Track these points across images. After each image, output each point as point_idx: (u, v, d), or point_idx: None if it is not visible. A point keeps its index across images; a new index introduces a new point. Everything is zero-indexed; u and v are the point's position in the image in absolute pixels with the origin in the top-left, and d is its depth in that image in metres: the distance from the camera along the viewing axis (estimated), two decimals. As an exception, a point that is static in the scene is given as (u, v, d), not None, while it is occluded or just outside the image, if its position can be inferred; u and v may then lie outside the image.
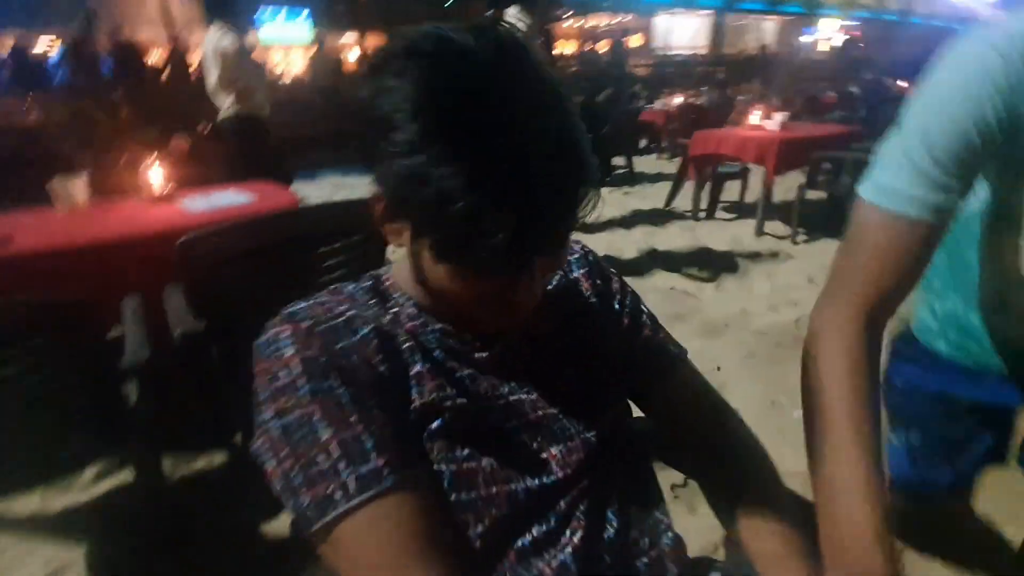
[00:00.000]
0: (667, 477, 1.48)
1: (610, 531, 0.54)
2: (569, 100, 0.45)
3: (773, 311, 2.58)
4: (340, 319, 0.51)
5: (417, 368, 0.52)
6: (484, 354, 0.56)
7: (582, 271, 0.66)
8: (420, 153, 0.40)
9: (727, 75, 8.92)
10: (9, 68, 7.21)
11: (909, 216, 0.55)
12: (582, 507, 0.54)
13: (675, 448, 0.71)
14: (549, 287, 0.63)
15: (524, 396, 0.56)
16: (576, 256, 0.67)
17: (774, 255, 3.37)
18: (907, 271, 0.56)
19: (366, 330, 0.51)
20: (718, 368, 2.00)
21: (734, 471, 0.63)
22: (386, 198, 0.45)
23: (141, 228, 1.60)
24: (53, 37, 9.60)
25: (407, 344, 0.52)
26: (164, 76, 7.90)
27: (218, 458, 1.65)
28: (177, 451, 1.64)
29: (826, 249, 3.44)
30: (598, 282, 0.66)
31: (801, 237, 3.61)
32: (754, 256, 3.36)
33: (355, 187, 6.00)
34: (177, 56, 8.29)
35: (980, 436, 0.85)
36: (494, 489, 0.51)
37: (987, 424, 0.84)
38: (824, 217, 3.81)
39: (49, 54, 9.03)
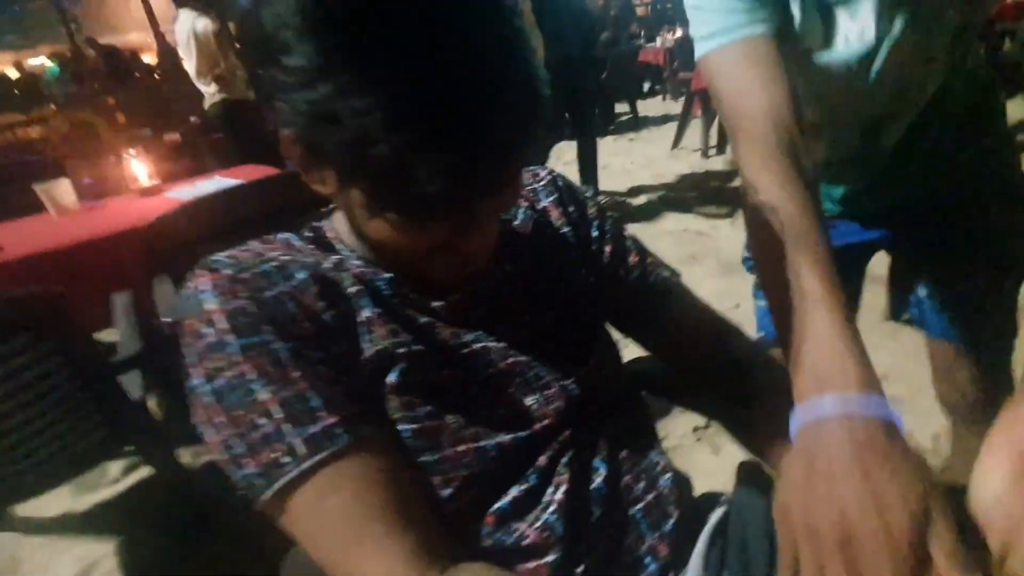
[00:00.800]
0: (688, 420, 1.45)
1: (598, 481, 0.48)
2: (513, 6, 0.36)
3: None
4: (270, 263, 0.45)
5: (366, 313, 0.45)
6: (442, 302, 0.49)
7: (550, 199, 0.58)
8: (322, 82, 0.32)
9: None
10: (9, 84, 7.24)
11: (754, 35, 0.55)
12: (564, 460, 0.48)
13: (687, 383, 0.64)
14: (514, 221, 0.56)
15: (492, 344, 0.49)
16: (543, 183, 0.59)
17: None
18: (781, 86, 0.54)
19: (303, 275, 0.44)
20: (737, 306, 1.91)
21: (749, 386, 0.56)
22: (297, 141, 0.38)
23: (125, 222, 1.56)
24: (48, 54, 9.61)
25: (353, 288, 0.46)
26: (156, 75, 7.89)
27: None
28: (195, 443, 1.64)
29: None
30: (570, 209, 0.59)
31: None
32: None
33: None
34: (166, 54, 8.24)
35: None
36: (461, 447, 0.45)
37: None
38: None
39: (44, 68, 9.05)
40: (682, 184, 3.54)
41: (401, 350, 0.45)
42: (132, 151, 1.96)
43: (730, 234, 2.68)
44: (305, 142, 0.37)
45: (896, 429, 0.37)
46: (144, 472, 1.59)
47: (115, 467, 1.61)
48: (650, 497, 0.50)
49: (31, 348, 0.97)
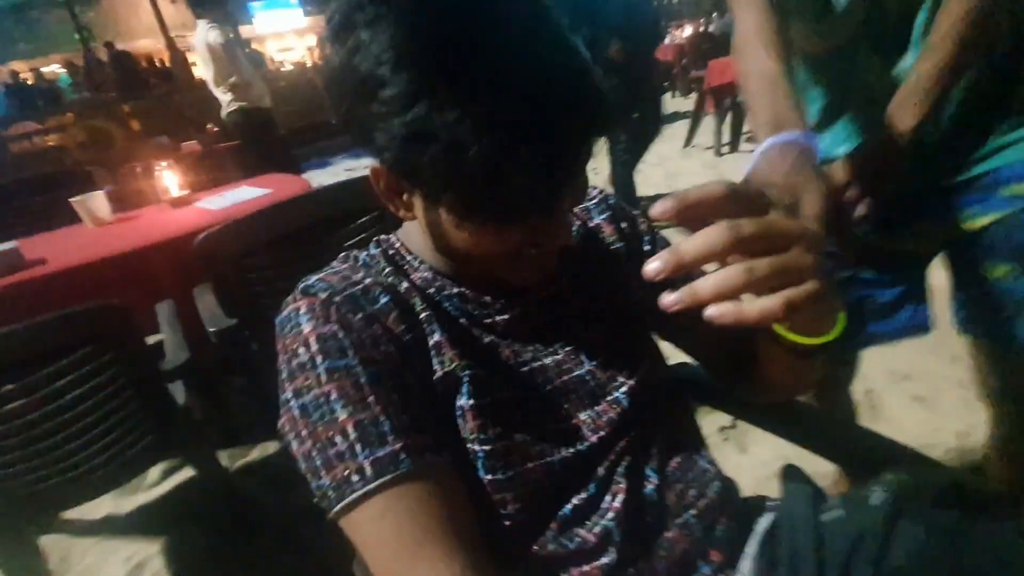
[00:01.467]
0: (714, 420, 1.48)
1: (650, 488, 0.52)
2: (561, 18, 0.40)
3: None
4: (358, 287, 0.49)
5: (436, 337, 0.49)
6: (505, 316, 0.53)
7: (603, 217, 0.62)
8: (417, 104, 0.36)
9: None
10: (20, 94, 7.35)
11: None
12: (621, 469, 0.51)
13: (720, 383, 0.67)
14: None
15: (548, 360, 0.53)
16: (595, 201, 0.63)
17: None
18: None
19: (386, 298, 0.49)
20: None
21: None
22: (388, 167, 0.42)
23: (163, 233, 1.61)
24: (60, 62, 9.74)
25: (425, 313, 0.50)
26: (168, 82, 7.99)
27: (271, 447, 1.70)
28: (233, 445, 1.70)
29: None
30: (623, 225, 0.62)
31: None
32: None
33: (368, 169, 5.97)
34: (177, 60, 8.34)
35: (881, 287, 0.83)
36: (530, 464, 0.49)
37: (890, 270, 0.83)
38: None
39: (56, 76, 9.17)
40: (696, 182, 3.53)
41: (467, 372, 0.48)
42: (164, 163, 2.01)
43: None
44: (399, 167, 0.41)
45: (814, 152, 0.60)
46: (181, 475, 1.65)
47: (154, 471, 1.66)
48: (701, 503, 0.53)
49: (93, 359, 1.02)
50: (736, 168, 3.70)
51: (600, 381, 0.54)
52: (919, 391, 1.47)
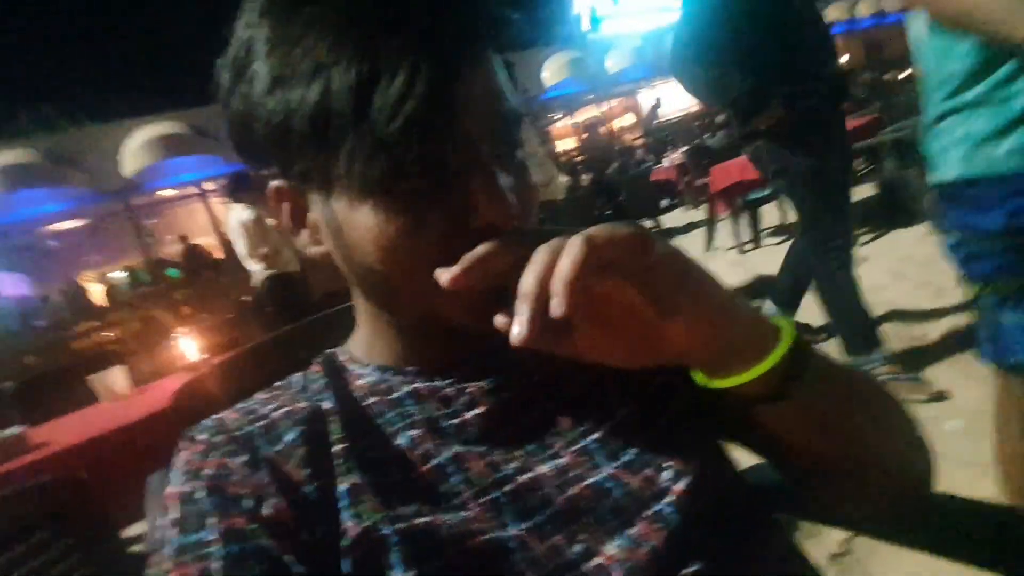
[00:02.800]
0: (820, 545, 1.15)
1: None
2: None
3: (868, 317, 2.24)
4: (261, 423, 0.38)
5: (353, 479, 0.35)
6: (477, 411, 0.39)
7: None
8: (284, 63, 0.33)
9: (727, 116, 9.03)
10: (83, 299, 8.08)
11: None
12: None
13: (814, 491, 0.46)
14: None
15: (546, 468, 0.37)
16: None
17: (842, 263, 3.05)
18: None
19: (293, 434, 0.37)
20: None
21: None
22: (278, 168, 0.37)
23: (167, 400, 1.54)
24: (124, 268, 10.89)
25: (340, 446, 0.37)
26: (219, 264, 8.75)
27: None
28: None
29: (898, 240, 3.09)
30: None
31: (865, 237, 3.29)
32: (820, 269, 3.05)
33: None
34: (227, 251, 9.22)
35: None
36: None
37: None
38: (881, 209, 3.51)
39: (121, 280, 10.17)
40: (726, 281, 3.41)
41: (398, 526, 0.33)
42: (183, 330, 2.02)
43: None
44: (275, 153, 0.36)
45: None
46: None
47: None
48: None
49: (51, 545, 0.88)
50: (762, 261, 3.59)
51: (631, 489, 0.37)
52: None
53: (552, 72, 11.42)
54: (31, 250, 10.31)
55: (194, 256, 9.01)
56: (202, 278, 8.42)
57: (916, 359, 1.83)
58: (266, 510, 0.33)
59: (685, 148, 6.04)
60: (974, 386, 1.57)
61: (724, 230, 4.26)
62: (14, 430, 1.47)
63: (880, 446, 0.39)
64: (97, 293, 8.91)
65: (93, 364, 2.57)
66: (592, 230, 0.29)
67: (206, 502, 0.34)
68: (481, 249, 0.31)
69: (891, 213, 3.38)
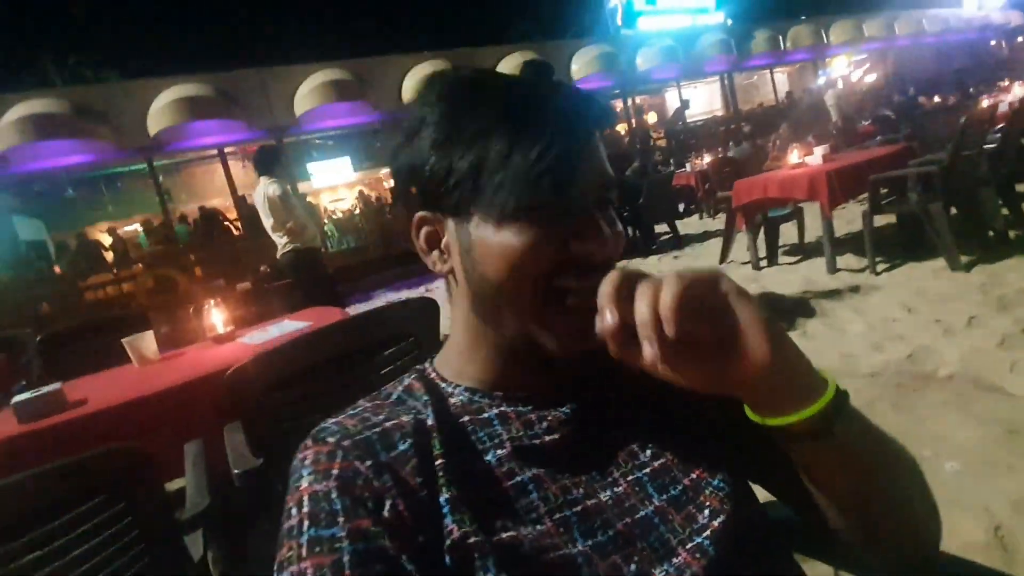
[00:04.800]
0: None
1: None
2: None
3: (878, 350, 2.28)
4: (375, 430, 0.44)
5: (453, 491, 0.41)
6: (554, 436, 0.45)
7: None
8: (450, 133, 0.44)
9: (753, 128, 8.96)
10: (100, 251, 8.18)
11: None
12: None
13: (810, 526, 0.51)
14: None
15: (606, 496, 0.44)
16: None
17: (855, 290, 3.07)
18: None
19: (406, 444, 0.43)
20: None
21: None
22: (421, 199, 0.47)
23: (202, 369, 1.61)
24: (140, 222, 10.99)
25: (440, 460, 0.43)
26: (235, 231, 8.81)
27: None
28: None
29: (912, 273, 3.11)
30: None
31: (881, 265, 3.31)
32: (834, 294, 3.08)
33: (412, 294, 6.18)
34: (243, 215, 9.27)
35: None
36: None
37: None
38: (899, 240, 3.52)
39: (137, 234, 10.27)
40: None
41: (491, 538, 0.39)
42: (212, 301, 2.08)
43: (806, 346, 2.50)
44: (428, 191, 0.46)
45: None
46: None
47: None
48: None
49: (104, 510, 0.94)
50: (776, 280, 3.62)
51: (675, 524, 0.43)
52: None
53: (581, 65, 11.33)
54: (50, 198, 10.43)
55: (210, 218, 9.10)
56: (217, 241, 8.51)
57: (915, 397, 1.88)
58: (387, 512, 0.39)
59: (709, 159, 6.02)
60: (973, 426, 1.61)
61: (740, 244, 4.29)
62: (54, 386, 1.54)
63: (899, 498, 0.44)
64: (109, 244, 9.00)
65: (117, 323, 2.66)
66: (681, 271, 0.36)
67: (336, 502, 0.39)
68: (607, 288, 0.37)
69: (909, 245, 3.40)
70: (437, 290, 6.61)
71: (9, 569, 0.86)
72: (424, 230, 0.48)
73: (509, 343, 0.47)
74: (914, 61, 16.12)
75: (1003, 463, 1.44)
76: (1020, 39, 17.62)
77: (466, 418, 0.46)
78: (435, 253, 0.48)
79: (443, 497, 0.41)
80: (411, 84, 9.67)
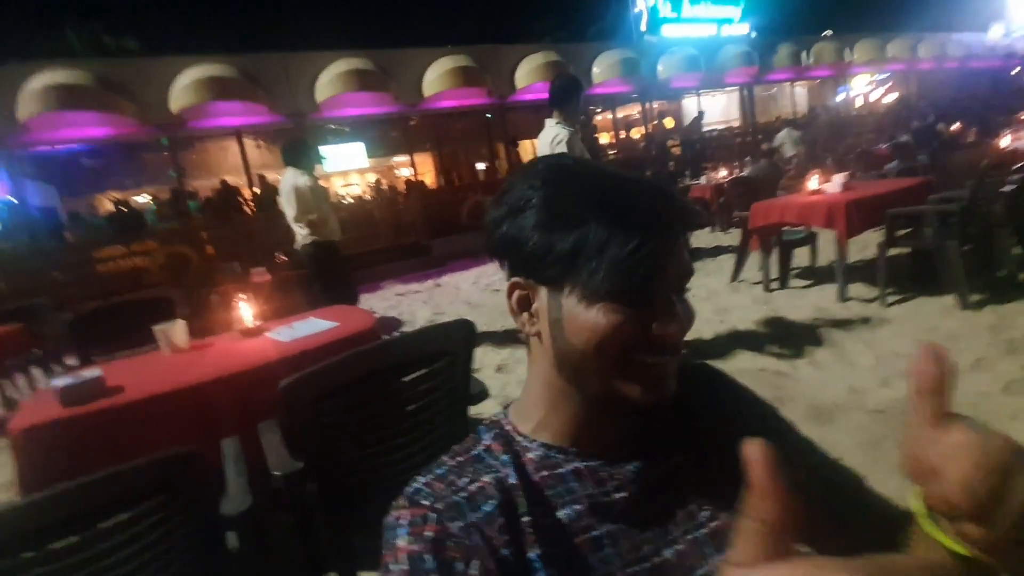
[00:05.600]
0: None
1: None
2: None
3: (886, 386, 2.33)
4: (462, 494, 0.49)
5: (538, 549, 0.47)
6: (624, 494, 0.50)
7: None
8: (553, 216, 0.49)
9: (770, 145, 8.98)
10: (115, 219, 8.24)
11: None
12: None
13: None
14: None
15: (669, 554, 0.49)
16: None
17: (866, 321, 3.12)
18: None
19: (491, 505, 0.48)
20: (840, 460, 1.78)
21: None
22: (522, 272, 0.52)
23: (237, 365, 1.66)
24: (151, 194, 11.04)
25: (526, 518, 0.48)
26: (250, 210, 8.85)
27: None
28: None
29: (923, 308, 3.15)
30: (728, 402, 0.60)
31: (892, 298, 3.35)
32: (844, 324, 3.13)
33: (416, 293, 6.23)
34: (258, 195, 9.32)
35: None
36: None
37: None
38: (911, 274, 3.56)
39: (147, 207, 10.32)
40: (749, 318, 3.51)
41: None
42: (242, 295, 2.14)
43: (813, 375, 2.58)
44: (529, 264, 0.51)
45: None
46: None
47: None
48: None
49: (162, 510, 1.00)
50: (787, 304, 3.67)
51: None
52: None
53: (603, 68, 11.31)
54: (67, 167, 10.48)
55: (227, 198, 9.12)
56: (232, 221, 8.56)
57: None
58: (472, 570, 0.44)
59: (724, 173, 6.05)
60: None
61: (752, 264, 4.33)
62: (95, 372, 1.60)
63: None
64: (122, 217, 9.03)
65: (144, 306, 2.72)
66: None
67: (430, 562, 0.44)
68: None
69: (920, 279, 3.43)
70: (446, 284, 6.67)
71: (66, 563, 0.92)
72: (517, 293, 0.53)
73: (590, 400, 0.52)
74: (936, 85, 16.06)
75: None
76: (1042, 69, 17.54)
77: (544, 473, 0.51)
78: (525, 315, 0.53)
79: (533, 553, 0.46)
80: (432, 77, 9.70)
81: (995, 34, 18.75)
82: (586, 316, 0.48)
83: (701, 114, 13.04)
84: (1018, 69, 17.92)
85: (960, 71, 16.51)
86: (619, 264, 0.46)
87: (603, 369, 0.48)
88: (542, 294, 0.51)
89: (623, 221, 0.47)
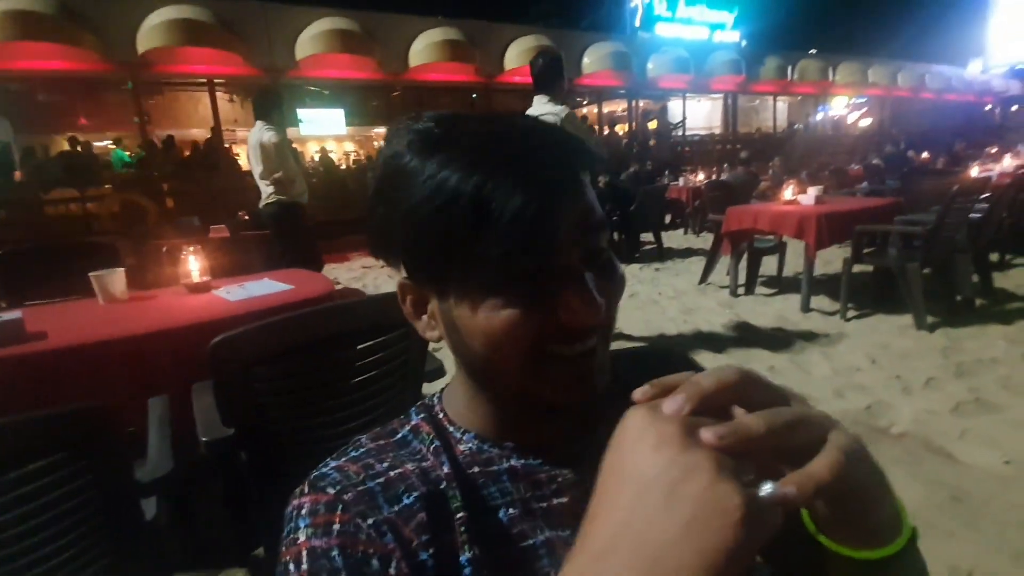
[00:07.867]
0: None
1: None
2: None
3: (839, 397, 2.36)
4: (379, 480, 0.41)
5: (469, 554, 0.40)
6: (563, 500, 0.44)
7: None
8: (412, 199, 0.39)
9: (749, 154, 9.10)
10: (68, 163, 7.76)
11: None
12: None
13: None
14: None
15: None
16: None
17: (826, 334, 3.17)
18: None
19: (411, 497, 0.41)
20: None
21: None
22: (407, 267, 0.43)
23: (174, 320, 1.54)
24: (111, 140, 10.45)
25: (460, 514, 0.41)
26: (213, 170, 8.47)
27: (239, 574, 1.48)
28: (195, 567, 1.48)
29: (880, 326, 3.23)
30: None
31: (852, 313, 3.41)
32: (806, 335, 3.17)
33: (383, 267, 6.08)
34: (224, 151, 8.92)
35: None
36: None
37: None
38: (872, 291, 3.64)
39: (110, 151, 9.77)
40: (713, 320, 3.53)
41: None
42: (191, 247, 2.00)
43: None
44: (413, 259, 0.42)
45: None
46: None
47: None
48: None
49: (63, 467, 0.90)
50: (751, 309, 3.71)
51: None
52: None
53: (593, 60, 11.22)
54: (23, 99, 9.80)
55: (169, 145, 8.65)
56: (193, 176, 8.17)
57: (870, 450, 1.95)
58: (392, 572, 0.37)
59: (702, 177, 6.09)
60: (919, 488, 1.69)
61: (721, 268, 4.36)
62: (14, 314, 1.46)
63: None
64: (77, 160, 8.52)
65: (84, 249, 2.53)
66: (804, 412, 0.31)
67: (337, 560, 0.37)
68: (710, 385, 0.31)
69: (880, 297, 3.51)
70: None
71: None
72: (408, 297, 0.45)
73: (508, 400, 0.45)
74: (911, 116, 16.57)
75: (944, 528, 1.51)
76: (1014, 108, 18.27)
77: (476, 469, 0.44)
78: (424, 319, 0.45)
79: (464, 556, 0.40)
80: (420, 48, 9.42)
81: (973, 69, 19.43)
82: (475, 322, 0.39)
83: (682, 121, 13.12)
84: (989, 107, 18.65)
85: (935, 103, 17.07)
86: (493, 247, 0.36)
87: (513, 371, 0.40)
88: (432, 295, 0.43)
89: (495, 189, 0.36)
